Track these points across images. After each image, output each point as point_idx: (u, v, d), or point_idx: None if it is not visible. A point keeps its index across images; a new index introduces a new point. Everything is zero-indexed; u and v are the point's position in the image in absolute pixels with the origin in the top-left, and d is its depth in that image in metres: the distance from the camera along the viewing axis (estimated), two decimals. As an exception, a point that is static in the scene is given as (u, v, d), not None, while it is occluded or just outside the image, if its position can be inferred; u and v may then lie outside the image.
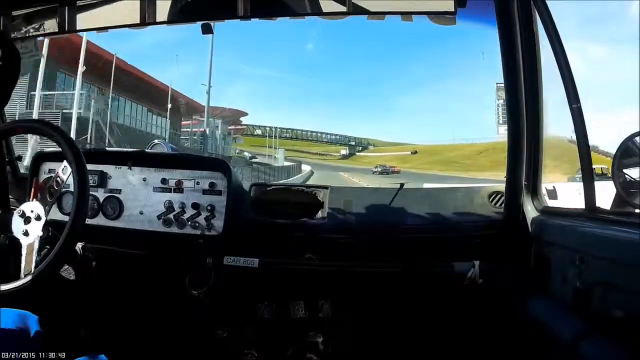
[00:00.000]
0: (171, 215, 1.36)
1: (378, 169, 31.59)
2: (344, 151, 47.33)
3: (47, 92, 13.42)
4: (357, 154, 47.72)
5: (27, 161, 1.56)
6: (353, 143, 49.16)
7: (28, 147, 5.46)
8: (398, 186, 1.47)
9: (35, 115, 10.98)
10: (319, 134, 48.63)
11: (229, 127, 31.93)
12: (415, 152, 42.65)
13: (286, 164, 30.01)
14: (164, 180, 1.39)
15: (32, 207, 0.99)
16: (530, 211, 1.23)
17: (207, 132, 23.80)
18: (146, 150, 1.58)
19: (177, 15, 1.23)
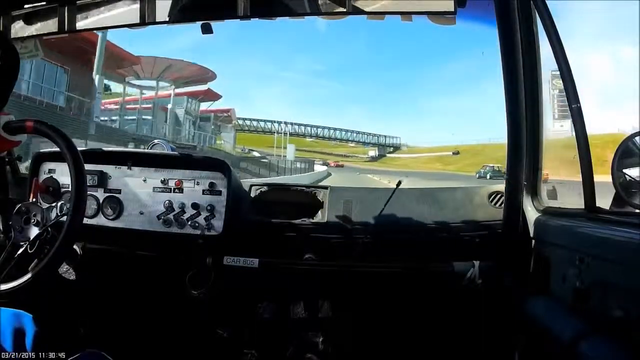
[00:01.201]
0: (171, 215, 1.36)
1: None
2: (372, 152, 42.59)
3: None
4: (388, 155, 42.38)
5: None
6: (383, 143, 43.65)
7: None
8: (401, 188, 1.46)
9: None
10: (345, 132, 42.39)
11: (205, 109, 23.91)
12: (457, 153, 38.05)
13: (298, 165, 25.66)
14: (163, 181, 1.39)
15: (32, 207, 1.00)
16: (530, 211, 1.23)
17: (97, 82, 13.75)
18: (146, 150, 1.58)
19: (177, 15, 1.23)
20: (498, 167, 21.46)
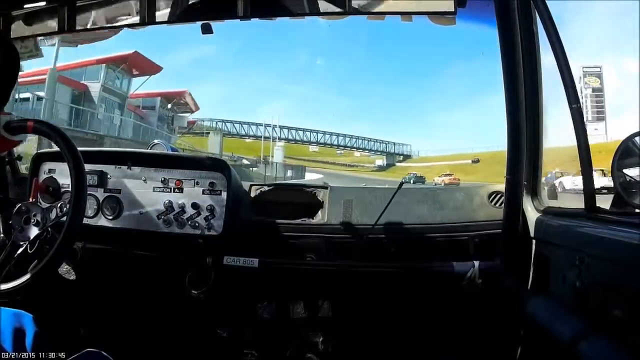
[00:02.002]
0: (171, 215, 1.36)
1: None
2: (380, 161, 38.05)
3: None
4: (398, 164, 37.62)
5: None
6: (392, 151, 38.96)
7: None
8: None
9: None
10: (350, 138, 37.18)
11: (148, 93, 16.42)
12: (477, 161, 33.54)
13: (289, 174, 22.84)
14: (163, 180, 1.39)
15: (32, 207, 1.00)
16: (530, 211, 1.23)
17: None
18: (146, 150, 1.58)
19: (177, 15, 1.23)
20: (420, 174, 27.86)
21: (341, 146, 37.75)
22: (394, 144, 40.04)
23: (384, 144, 39.45)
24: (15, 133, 0.97)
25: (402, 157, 40.06)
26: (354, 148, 38.35)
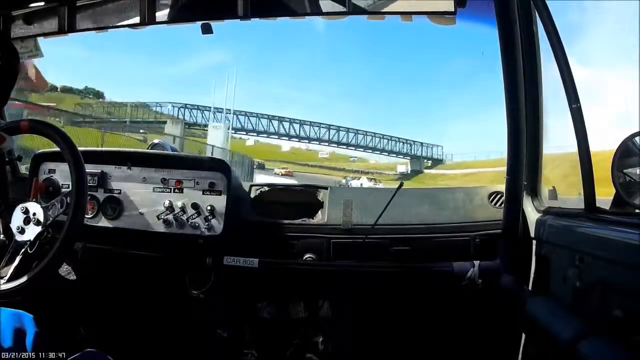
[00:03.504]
0: (171, 216, 1.36)
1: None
2: (402, 167, 31.12)
3: None
4: (426, 171, 30.62)
5: None
6: (418, 154, 31.10)
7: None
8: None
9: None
10: (364, 135, 29.11)
11: None
12: None
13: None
14: (163, 180, 1.39)
15: (32, 207, 1.00)
16: (530, 211, 1.23)
17: None
18: (146, 150, 1.58)
19: (177, 15, 1.23)
20: (262, 161, 26.96)
21: (352, 145, 30.41)
22: (422, 144, 31.63)
23: (409, 145, 31.28)
24: (10, 134, 0.98)
25: (430, 161, 32.45)
26: (369, 148, 31.01)
